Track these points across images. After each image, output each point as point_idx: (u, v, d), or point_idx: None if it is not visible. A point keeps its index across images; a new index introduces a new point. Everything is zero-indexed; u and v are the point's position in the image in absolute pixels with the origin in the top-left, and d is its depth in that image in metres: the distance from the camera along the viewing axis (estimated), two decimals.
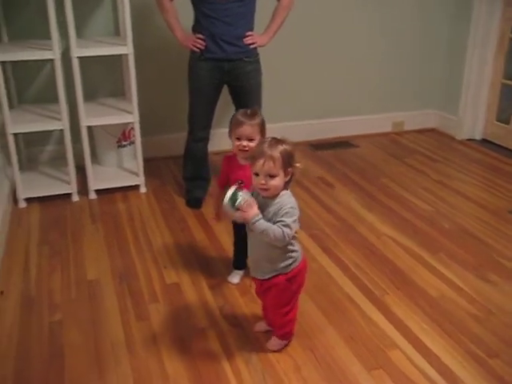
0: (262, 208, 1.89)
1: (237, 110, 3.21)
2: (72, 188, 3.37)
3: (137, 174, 3.51)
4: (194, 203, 3.32)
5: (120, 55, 3.43)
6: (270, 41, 3.13)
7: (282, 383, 1.95)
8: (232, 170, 2.34)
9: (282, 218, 1.85)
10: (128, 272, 2.63)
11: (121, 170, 3.67)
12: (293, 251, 1.94)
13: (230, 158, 2.38)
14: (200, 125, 3.21)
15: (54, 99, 3.23)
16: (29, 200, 3.32)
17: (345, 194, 3.46)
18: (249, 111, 2.28)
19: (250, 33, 3.02)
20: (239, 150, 2.27)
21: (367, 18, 4.20)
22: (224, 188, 2.20)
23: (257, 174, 1.86)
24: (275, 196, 1.88)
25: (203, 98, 3.13)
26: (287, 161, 1.85)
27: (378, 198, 3.40)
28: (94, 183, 3.42)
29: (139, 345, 2.14)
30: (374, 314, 2.31)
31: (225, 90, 3.18)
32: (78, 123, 3.27)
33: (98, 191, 3.44)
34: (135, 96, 3.27)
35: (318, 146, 4.25)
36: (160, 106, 3.88)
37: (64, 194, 3.38)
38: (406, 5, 4.26)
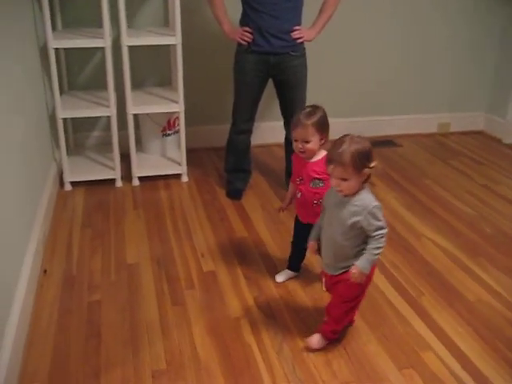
0: (340, 207, 1.89)
1: (281, 103, 3.24)
2: (116, 174, 3.45)
3: (179, 164, 3.56)
4: (235, 194, 3.35)
5: (168, 45, 3.49)
6: (317, 36, 3.13)
7: (312, 376, 1.96)
8: (296, 166, 2.34)
9: (373, 223, 1.85)
10: (166, 258, 2.68)
11: (164, 158, 3.73)
12: (364, 248, 1.93)
13: (296, 155, 2.35)
14: (244, 117, 3.23)
15: (103, 86, 3.32)
16: (74, 183, 3.42)
17: (386, 192, 3.43)
18: (307, 110, 2.24)
19: (297, 27, 3.03)
20: (298, 151, 2.26)
21: (417, 16, 4.14)
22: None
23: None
24: (354, 195, 1.87)
25: (248, 91, 3.15)
26: (359, 160, 1.83)
27: (419, 199, 3.36)
28: (138, 170, 3.49)
29: (173, 328, 2.19)
30: (409, 315, 2.29)
31: (270, 83, 3.19)
32: (124, 111, 3.35)
33: (141, 178, 3.51)
34: (181, 86, 3.32)
35: None
36: (205, 96, 3.92)
37: (108, 180, 3.46)
38: (459, 4, 4.18)
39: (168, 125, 3.69)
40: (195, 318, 2.25)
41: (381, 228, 1.87)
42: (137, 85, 3.64)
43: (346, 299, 2.01)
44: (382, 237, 1.88)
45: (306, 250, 2.37)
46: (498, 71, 4.40)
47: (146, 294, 2.41)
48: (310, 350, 2.08)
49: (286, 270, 2.53)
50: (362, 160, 1.83)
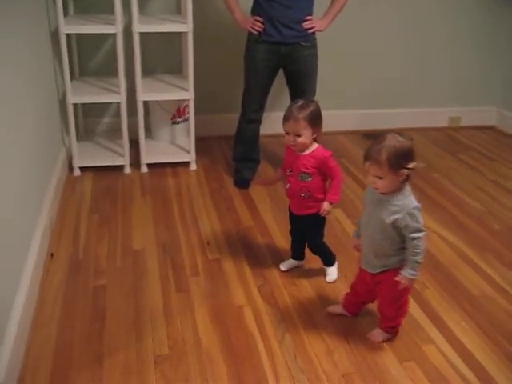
0: (379, 205, 1.88)
1: (291, 93, 3.24)
2: (125, 160, 3.47)
3: (188, 151, 3.57)
4: (242, 184, 3.36)
5: (180, 33, 3.48)
6: (328, 26, 3.12)
7: (313, 365, 1.97)
8: (288, 158, 2.33)
9: (410, 224, 1.84)
10: (172, 245, 2.70)
11: (173, 146, 3.74)
12: (404, 248, 1.90)
13: (289, 147, 2.34)
14: (253, 107, 3.23)
15: (114, 73, 3.33)
16: (83, 169, 3.44)
17: None
18: (300, 103, 2.21)
19: (309, 17, 3.01)
20: (289, 144, 2.26)
21: (428, 7, 4.10)
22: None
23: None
24: (393, 193, 1.86)
25: (258, 80, 3.15)
26: (395, 160, 1.79)
27: (427, 193, 3.34)
28: (147, 157, 3.50)
29: (177, 314, 2.20)
30: (412, 308, 2.28)
31: (280, 73, 3.19)
32: (135, 97, 3.35)
33: (149, 165, 3.52)
34: (192, 74, 3.32)
35: (370, 136, 4.19)
36: (215, 85, 3.92)
37: (117, 166, 3.48)
38: None
39: (178, 112, 3.70)
40: (199, 305, 2.27)
41: (418, 230, 1.85)
42: (148, 72, 3.65)
43: (393, 300, 2.00)
44: (419, 240, 1.85)
45: (301, 236, 2.45)
46: (511, 65, 4.36)
47: (151, 280, 2.43)
48: (380, 341, 2.08)
49: (290, 259, 2.54)
50: (398, 160, 1.80)
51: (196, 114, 3.47)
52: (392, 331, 2.09)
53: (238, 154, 3.42)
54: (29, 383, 1.87)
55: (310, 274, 2.50)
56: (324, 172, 2.25)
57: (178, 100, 3.57)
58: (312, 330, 2.15)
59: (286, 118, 2.20)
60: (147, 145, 3.52)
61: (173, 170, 3.54)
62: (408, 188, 1.89)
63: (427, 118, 4.41)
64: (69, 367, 1.94)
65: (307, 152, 2.23)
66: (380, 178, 1.82)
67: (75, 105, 3.43)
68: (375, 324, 2.16)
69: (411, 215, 1.84)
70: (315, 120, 2.19)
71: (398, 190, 1.86)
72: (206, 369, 1.94)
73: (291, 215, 2.44)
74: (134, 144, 3.54)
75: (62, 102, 3.34)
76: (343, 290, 2.37)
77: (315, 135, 2.22)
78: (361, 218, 2.07)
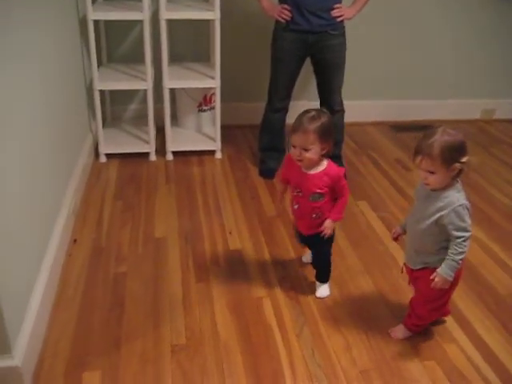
0: (427, 201, 1.84)
1: (318, 83, 3.18)
2: (151, 148, 3.47)
3: (214, 140, 3.55)
4: (267, 173, 3.33)
5: (207, 20, 3.45)
6: (357, 14, 3.05)
7: (331, 361, 1.95)
8: (291, 173, 2.13)
9: (455, 222, 1.77)
10: (194, 234, 2.69)
11: (199, 134, 3.73)
12: (447, 247, 1.84)
13: (290, 161, 2.10)
14: (280, 95, 3.19)
15: (142, 59, 3.32)
16: (109, 155, 3.45)
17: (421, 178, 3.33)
18: (312, 113, 1.99)
19: (338, 5, 2.95)
20: (295, 158, 2.04)
21: None
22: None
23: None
24: (443, 189, 1.80)
25: (285, 69, 3.10)
26: (449, 154, 1.73)
27: None
28: (172, 145, 3.50)
29: (195, 304, 2.20)
30: None
31: (307, 61, 3.13)
32: (162, 85, 3.34)
33: (175, 153, 3.52)
34: (218, 61, 3.29)
35: (399, 128, 4.12)
36: (242, 73, 3.88)
37: (142, 153, 3.48)
38: None
39: (204, 100, 3.68)
40: (218, 296, 2.26)
41: (463, 229, 1.78)
42: (175, 59, 3.63)
43: (428, 299, 1.95)
44: (463, 240, 1.78)
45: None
46: None
47: (172, 268, 2.42)
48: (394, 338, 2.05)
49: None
50: (452, 154, 1.74)
51: (222, 102, 3.45)
52: (415, 329, 2.05)
53: (264, 144, 3.38)
54: (47, 367, 1.89)
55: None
56: (335, 190, 2.08)
57: (205, 88, 3.54)
58: (331, 324, 2.12)
59: (294, 129, 1.99)
60: (173, 132, 3.52)
61: (198, 159, 3.53)
62: (459, 185, 1.83)
63: (459, 110, 4.29)
64: (87, 352, 1.95)
65: (319, 170, 2.05)
66: (432, 172, 1.76)
67: (102, 91, 3.44)
68: (395, 319, 2.12)
69: (457, 213, 1.77)
70: (326, 134, 1.98)
71: (448, 186, 1.80)
72: (223, 360, 1.93)
73: (299, 234, 2.28)
74: (161, 131, 3.54)
75: (89, 89, 3.35)
76: (365, 285, 2.34)
77: (324, 151, 2.01)
78: (409, 214, 2.01)
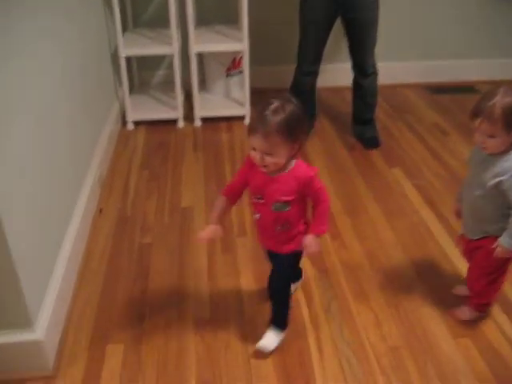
0: (483, 166, 1.71)
1: (349, 44, 3.03)
2: (178, 114, 3.39)
3: (243, 105, 3.45)
4: None
5: None
6: None
7: (359, 336, 1.87)
8: (252, 175, 1.67)
9: None
10: None
11: (228, 99, 3.63)
12: (508, 214, 1.72)
13: (250, 160, 1.64)
14: (310, 58, 3.06)
15: (167, 24, 3.21)
16: (136, 123, 3.39)
17: (460, 144, 3.18)
18: (273, 105, 1.51)
19: None
20: (257, 164, 1.59)
21: None
22: (234, 198, 1.77)
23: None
24: (500, 154, 1.67)
25: (315, 30, 2.96)
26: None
27: None
28: (200, 111, 3.42)
29: (220, 276, 2.15)
30: None
31: (338, 22, 2.98)
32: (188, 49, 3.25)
33: (203, 119, 3.44)
34: (246, 24, 3.16)
35: (436, 90, 3.92)
36: (271, 35, 3.73)
37: (170, 120, 3.41)
38: None
39: (233, 64, 3.56)
40: (244, 268, 2.19)
41: None
42: (201, 23, 3.51)
43: (486, 271, 1.83)
44: None
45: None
46: None
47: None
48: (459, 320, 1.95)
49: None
50: None
51: (251, 65, 3.33)
52: (483, 309, 1.93)
53: None
54: (71, 340, 1.87)
55: (362, 236, 2.38)
56: (307, 195, 1.64)
57: (234, 52, 3.43)
58: (361, 299, 2.04)
59: (251, 128, 1.53)
60: (201, 98, 3.43)
61: (227, 124, 3.44)
62: None
63: (502, 70, 4.05)
64: (110, 325, 1.93)
65: (284, 172, 1.60)
66: (491, 136, 1.64)
67: (128, 57, 3.36)
68: (431, 296, 2.03)
69: None
70: (294, 131, 1.52)
71: (506, 150, 1.67)
72: (247, 335, 1.88)
73: (269, 255, 1.85)
74: (189, 97, 3.45)
75: (115, 55, 3.27)
76: (397, 259, 2.24)
77: (294, 151, 1.56)
78: (464, 181, 1.89)
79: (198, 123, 3.43)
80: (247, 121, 3.43)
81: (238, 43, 3.25)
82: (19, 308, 1.65)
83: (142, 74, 3.78)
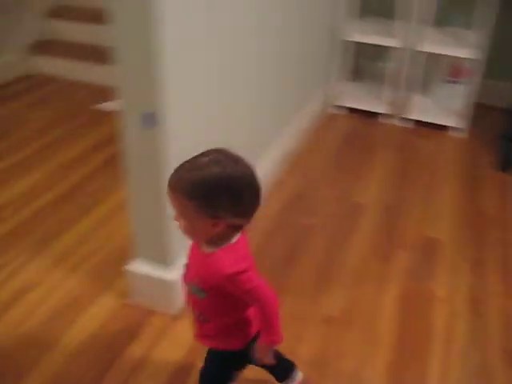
0: None
1: None
2: (388, 110, 3.29)
3: (461, 117, 3.19)
4: (507, 166, 2.88)
5: None
6: None
7: None
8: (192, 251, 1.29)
9: None
10: (396, 208, 2.50)
11: (445, 107, 3.38)
12: None
13: None
14: None
15: (399, 17, 3.09)
16: (343, 109, 3.38)
17: None
18: (203, 159, 1.11)
19: None
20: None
21: None
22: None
23: None
24: None
25: None
26: None
27: None
28: (412, 112, 3.27)
29: (367, 282, 2.05)
30: None
31: None
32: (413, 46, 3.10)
33: (411, 121, 3.28)
34: (485, 29, 2.89)
35: None
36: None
37: (378, 113, 3.32)
38: None
39: (459, 71, 3.31)
40: (393, 281, 2.06)
41: None
42: (438, 23, 3.28)
43: None
44: None
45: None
46: None
47: (358, 237, 2.30)
48: None
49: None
50: None
51: (482, 76, 3.08)
52: None
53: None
54: None
55: None
56: (235, 295, 1.19)
57: (463, 58, 3.17)
58: None
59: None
60: (416, 99, 3.27)
61: (436, 133, 3.22)
62: None
63: None
64: None
65: (206, 252, 1.19)
66: None
67: (348, 43, 3.32)
68: None
69: None
70: (210, 201, 1.10)
71: None
72: (368, 352, 1.77)
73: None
74: (402, 95, 3.31)
75: (335, 39, 3.26)
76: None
77: (218, 226, 1.12)
78: None
79: (403, 123, 3.29)
80: (460, 135, 3.18)
81: (471, 50, 2.99)
82: (165, 246, 1.76)
83: (360, 62, 3.69)
